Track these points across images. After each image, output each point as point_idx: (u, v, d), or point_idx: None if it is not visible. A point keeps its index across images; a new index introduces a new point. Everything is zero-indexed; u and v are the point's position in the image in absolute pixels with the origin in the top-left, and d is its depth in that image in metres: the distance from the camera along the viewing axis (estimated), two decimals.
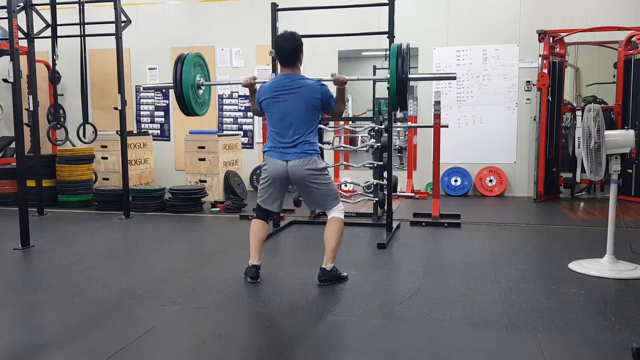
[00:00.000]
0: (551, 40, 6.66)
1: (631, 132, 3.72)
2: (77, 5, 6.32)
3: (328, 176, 3.49)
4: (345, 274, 3.54)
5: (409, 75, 3.59)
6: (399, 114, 10.19)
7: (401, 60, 3.53)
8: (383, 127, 5.14)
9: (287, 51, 3.40)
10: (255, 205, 3.59)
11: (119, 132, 5.96)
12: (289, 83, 3.38)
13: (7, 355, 2.47)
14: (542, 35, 6.55)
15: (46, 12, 6.29)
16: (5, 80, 5.23)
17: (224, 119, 8.14)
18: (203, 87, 4.13)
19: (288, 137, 3.37)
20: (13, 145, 6.72)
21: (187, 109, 4.02)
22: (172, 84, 3.96)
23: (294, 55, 3.41)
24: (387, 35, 4.68)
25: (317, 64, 7.08)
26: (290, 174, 3.38)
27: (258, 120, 7.92)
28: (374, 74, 10.56)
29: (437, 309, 2.98)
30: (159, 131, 8.38)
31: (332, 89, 3.48)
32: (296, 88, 3.36)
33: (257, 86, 3.67)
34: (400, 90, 3.55)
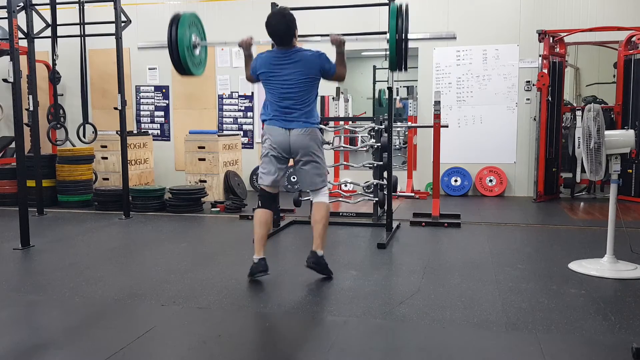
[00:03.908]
0: (551, 40, 6.66)
1: (631, 132, 3.72)
2: (77, 5, 6.32)
3: (323, 153, 3.52)
4: (327, 264, 3.55)
5: (409, 36, 3.53)
6: (398, 105, 10.19)
7: (401, 20, 3.48)
8: (383, 127, 5.14)
9: (280, 33, 3.36)
10: (259, 193, 3.53)
11: (119, 132, 5.96)
12: (287, 56, 3.34)
13: (7, 355, 2.47)
14: (542, 35, 6.55)
15: (46, 12, 6.28)
16: (5, 80, 5.23)
17: (224, 119, 8.14)
18: (199, 47, 4.04)
19: (289, 108, 3.36)
20: (13, 145, 6.72)
21: (184, 69, 3.88)
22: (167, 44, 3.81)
23: (288, 35, 3.37)
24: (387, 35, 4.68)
25: None
26: (292, 143, 3.36)
27: (258, 120, 7.92)
28: (374, 74, 10.61)
29: (437, 309, 2.98)
30: (159, 131, 8.38)
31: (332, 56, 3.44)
32: (294, 61, 3.33)
33: (254, 49, 3.58)
34: (399, 50, 3.48)
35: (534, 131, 6.98)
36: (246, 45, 3.58)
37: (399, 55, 3.52)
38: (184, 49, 3.74)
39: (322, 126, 5.47)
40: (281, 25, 3.35)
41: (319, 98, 7.54)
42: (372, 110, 10.65)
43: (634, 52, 6.62)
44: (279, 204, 5.15)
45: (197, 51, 3.96)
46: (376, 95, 10.89)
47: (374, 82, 10.69)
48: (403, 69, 3.63)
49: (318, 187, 3.52)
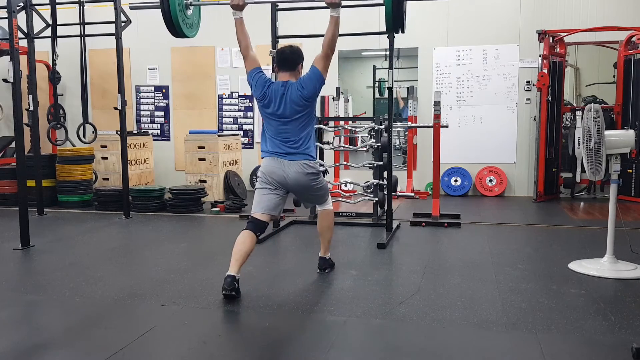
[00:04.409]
0: (551, 40, 6.66)
1: (631, 132, 3.72)
2: (77, 5, 6.32)
3: (322, 177, 3.56)
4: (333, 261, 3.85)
5: None
6: (401, 103, 10.16)
7: None
8: (383, 127, 5.14)
9: (286, 54, 3.42)
10: (249, 220, 3.38)
11: (119, 132, 5.96)
12: (282, 91, 3.33)
13: (7, 355, 2.47)
14: (542, 35, 6.55)
15: (46, 12, 6.28)
16: (5, 80, 5.23)
17: (224, 119, 8.14)
18: (192, 8, 3.98)
19: (287, 145, 3.36)
20: (13, 145, 6.72)
21: (176, 30, 3.78)
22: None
23: (294, 58, 3.40)
24: (387, 35, 4.69)
25: None
26: (291, 180, 3.35)
27: (258, 121, 7.92)
28: (374, 74, 10.60)
29: (437, 308, 2.98)
30: (159, 131, 8.38)
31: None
32: (287, 97, 3.32)
33: (245, 10, 3.43)
34: (396, 7, 3.32)
35: (534, 131, 6.98)
36: (238, 7, 3.41)
37: (396, 12, 3.31)
38: (175, 5, 3.67)
39: (322, 126, 5.52)
40: (290, 50, 3.44)
41: (318, 98, 7.60)
42: (372, 110, 10.64)
43: (634, 52, 6.62)
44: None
45: (189, 11, 3.90)
46: (376, 94, 10.88)
47: (374, 82, 10.68)
48: (400, 30, 3.54)
49: (322, 202, 3.65)
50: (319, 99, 7.55)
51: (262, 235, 4.62)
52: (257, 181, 3.49)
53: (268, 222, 3.43)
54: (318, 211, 3.71)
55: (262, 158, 3.47)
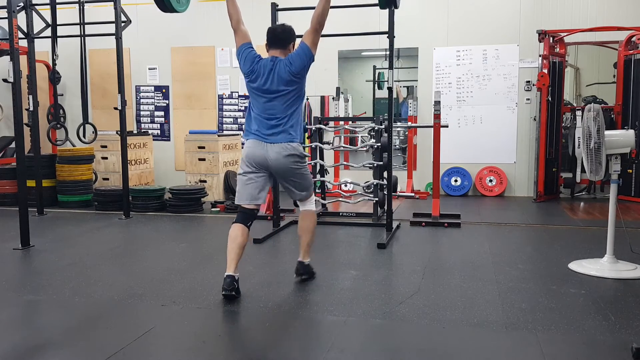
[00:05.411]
0: (551, 40, 6.66)
1: (631, 132, 3.72)
2: (77, 5, 6.32)
3: (307, 166, 3.46)
4: (314, 270, 3.58)
5: None
6: (401, 98, 10.13)
7: None
8: (383, 127, 5.14)
9: (277, 33, 3.36)
10: (238, 209, 3.35)
11: (119, 132, 5.96)
12: (271, 67, 3.27)
13: (7, 355, 2.47)
14: (542, 35, 6.55)
15: (46, 12, 6.29)
16: (5, 80, 5.23)
17: (224, 119, 8.14)
18: None
19: (271, 123, 3.28)
20: (13, 145, 6.72)
21: (164, 3, 3.70)
22: None
23: (285, 37, 3.35)
24: (387, 35, 4.69)
25: (318, 64, 7.05)
26: (271, 160, 3.26)
27: None
28: (374, 74, 10.60)
29: (437, 309, 2.98)
30: (159, 131, 8.38)
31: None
32: (275, 72, 3.26)
33: (245, 10, 3.40)
34: None
35: (534, 131, 6.98)
36: None
37: None
38: None
39: (322, 126, 5.52)
40: (282, 27, 3.40)
41: (318, 98, 7.62)
42: (372, 110, 10.64)
43: (634, 52, 6.62)
44: (278, 205, 5.17)
45: None
46: (376, 92, 10.88)
47: (374, 82, 10.68)
48: (394, 5, 3.45)
49: (303, 198, 3.49)
50: (318, 98, 7.63)
51: (262, 236, 4.65)
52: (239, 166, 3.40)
53: (256, 208, 3.35)
54: (301, 211, 3.51)
55: (245, 139, 3.36)
